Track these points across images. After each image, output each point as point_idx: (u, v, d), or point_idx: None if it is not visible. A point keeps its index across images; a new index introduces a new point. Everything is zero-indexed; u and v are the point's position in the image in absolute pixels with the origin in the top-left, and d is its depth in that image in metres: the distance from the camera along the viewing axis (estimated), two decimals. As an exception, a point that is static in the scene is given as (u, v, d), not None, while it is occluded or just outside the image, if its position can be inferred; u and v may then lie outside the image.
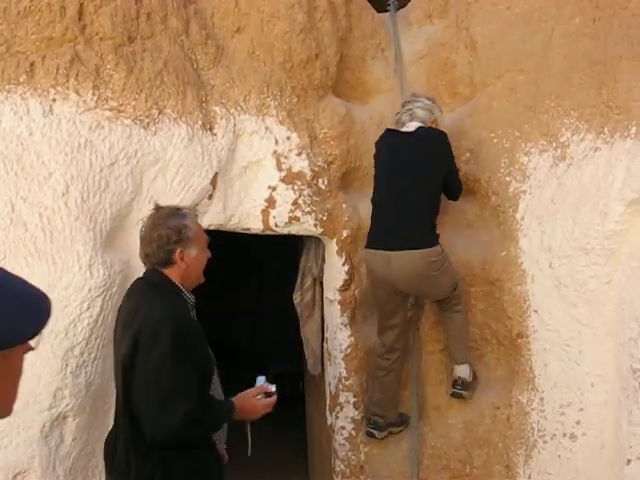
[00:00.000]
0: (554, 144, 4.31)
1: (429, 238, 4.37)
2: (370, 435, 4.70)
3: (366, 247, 4.49)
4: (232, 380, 3.64)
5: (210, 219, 4.38)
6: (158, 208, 3.14)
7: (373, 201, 4.54)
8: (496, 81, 4.79)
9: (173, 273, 3.06)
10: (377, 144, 4.62)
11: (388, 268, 4.35)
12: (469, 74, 5.04)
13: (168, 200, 4.17)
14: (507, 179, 4.53)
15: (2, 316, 1.34)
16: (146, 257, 3.09)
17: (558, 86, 4.40)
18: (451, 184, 4.57)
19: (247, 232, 4.62)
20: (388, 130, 4.65)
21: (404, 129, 4.57)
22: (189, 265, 3.06)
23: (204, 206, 4.33)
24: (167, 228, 3.01)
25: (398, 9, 5.84)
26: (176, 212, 3.12)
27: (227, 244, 4.93)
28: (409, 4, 5.80)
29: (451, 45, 5.18)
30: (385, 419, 4.70)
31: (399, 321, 4.61)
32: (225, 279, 8.67)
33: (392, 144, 4.56)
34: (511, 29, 4.80)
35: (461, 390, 4.63)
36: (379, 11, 5.63)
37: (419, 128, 4.53)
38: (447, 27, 5.29)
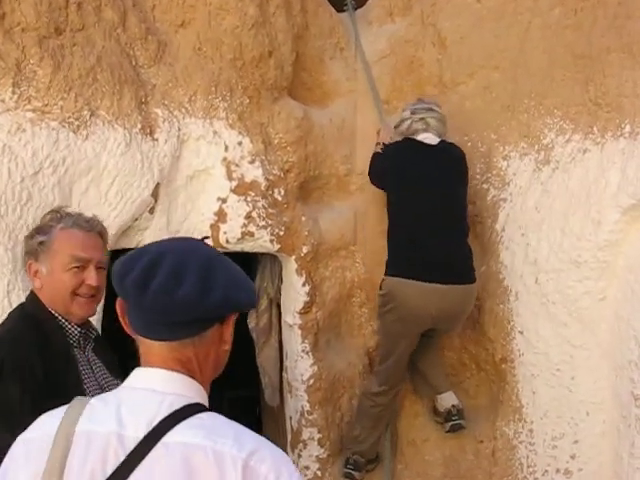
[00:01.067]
0: (536, 147, 4.05)
1: (475, 270, 4.01)
2: (349, 477, 4.20)
3: (401, 277, 3.93)
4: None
5: (152, 235, 3.96)
6: (52, 210, 2.57)
7: (396, 222, 4.05)
8: (468, 79, 4.52)
9: (37, 291, 2.42)
10: (391, 156, 4.18)
11: (439, 303, 3.86)
12: (437, 73, 4.73)
13: (103, 214, 3.68)
14: (484, 186, 4.27)
15: (247, 283, 1.57)
16: None
17: (538, 83, 4.15)
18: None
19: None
20: (406, 139, 4.18)
21: (426, 141, 4.13)
22: (44, 285, 2.39)
23: (145, 221, 3.92)
24: (29, 232, 2.46)
25: (356, 9, 5.48)
26: (54, 214, 2.48)
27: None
28: (368, 2, 5.50)
29: (417, 43, 4.86)
30: (365, 457, 4.22)
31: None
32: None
33: (416, 158, 4.10)
34: (483, 23, 4.52)
35: (459, 420, 4.16)
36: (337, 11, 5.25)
37: (441, 142, 4.14)
38: (411, 24, 4.96)
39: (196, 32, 4.26)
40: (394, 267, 3.98)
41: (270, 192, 4.22)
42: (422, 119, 4.16)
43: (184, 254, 1.49)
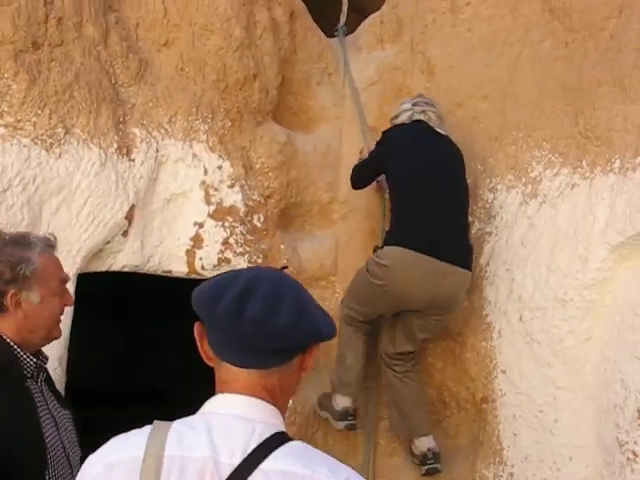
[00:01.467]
0: (524, 179, 3.94)
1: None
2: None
3: (399, 245, 3.71)
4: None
5: (125, 259, 3.89)
6: None
7: (400, 192, 3.87)
8: (456, 109, 4.42)
9: (5, 325, 2.26)
10: (395, 134, 4.04)
11: (438, 283, 3.67)
12: (425, 102, 4.55)
13: (73, 236, 3.56)
14: (470, 219, 4.10)
15: (327, 314, 1.55)
16: None
17: (527, 115, 4.05)
18: None
19: (168, 275, 4.10)
20: (415, 121, 4.04)
21: (437, 129, 4.04)
22: (29, 314, 2.27)
23: (117, 244, 3.83)
24: (0, 262, 2.27)
25: (346, 34, 5.41)
26: (19, 240, 2.34)
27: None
28: (358, 28, 5.44)
29: (405, 70, 4.77)
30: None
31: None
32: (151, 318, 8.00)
33: (427, 138, 3.99)
34: (473, 53, 4.43)
35: (435, 464, 3.92)
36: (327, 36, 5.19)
37: (447, 136, 4.05)
38: (401, 51, 4.88)
39: (179, 52, 4.20)
40: (397, 237, 3.74)
41: (249, 218, 4.12)
42: (423, 111, 4.06)
43: (276, 282, 1.49)
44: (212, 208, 4.02)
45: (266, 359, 1.47)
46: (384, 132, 4.12)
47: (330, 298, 4.33)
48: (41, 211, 3.54)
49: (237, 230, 4.05)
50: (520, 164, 3.94)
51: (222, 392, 1.48)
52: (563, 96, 3.89)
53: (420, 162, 3.86)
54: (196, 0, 4.23)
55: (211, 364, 1.52)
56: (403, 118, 4.10)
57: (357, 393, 4.04)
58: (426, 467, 3.94)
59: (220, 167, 4.06)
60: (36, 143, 3.54)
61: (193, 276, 4.04)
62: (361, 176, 4.22)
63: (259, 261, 4.07)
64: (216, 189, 4.03)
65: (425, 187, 3.79)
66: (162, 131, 3.96)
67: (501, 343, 3.82)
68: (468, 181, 4.15)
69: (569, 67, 3.93)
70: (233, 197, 4.07)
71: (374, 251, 3.91)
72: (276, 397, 1.49)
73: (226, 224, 4.03)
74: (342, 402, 3.97)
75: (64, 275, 2.41)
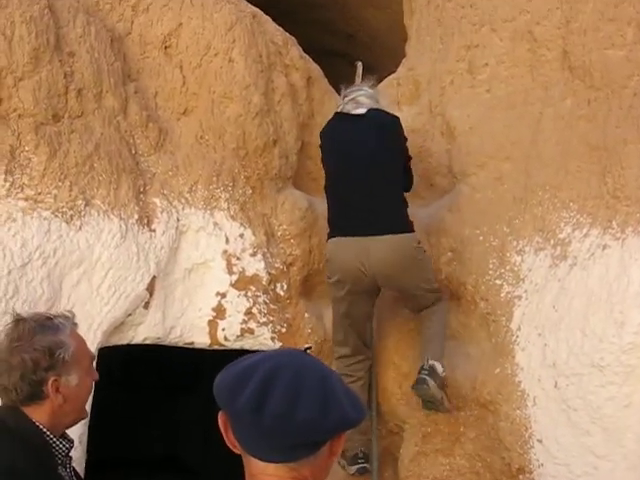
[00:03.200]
0: (552, 241, 3.84)
1: (408, 223, 3.99)
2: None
3: (333, 236, 3.99)
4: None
5: (146, 332, 3.85)
6: (18, 320, 2.28)
7: (327, 189, 4.14)
8: (479, 170, 4.34)
9: (40, 412, 2.18)
10: (323, 133, 4.23)
11: (366, 257, 3.86)
12: (447, 163, 4.59)
13: (94, 310, 3.50)
14: (497, 282, 4.03)
15: (356, 398, 1.47)
16: (4, 392, 2.22)
17: (552, 175, 3.97)
18: (407, 172, 4.27)
19: (190, 346, 4.02)
20: (336, 114, 4.24)
21: (353, 112, 4.17)
22: (68, 398, 2.21)
23: (139, 316, 3.79)
24: (33, 350, 2.18)
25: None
26: (45, 323, 2.27)
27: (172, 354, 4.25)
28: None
29: (425, 132, 4.74)
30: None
31: (369, 331, 4.16)
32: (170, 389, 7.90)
33: (342, 127, 4.17)
34: (493, 113, 4.38)
35: (427, 375, 3.78)
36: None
37: (370, 110, 4.16)
38: (419, 113, 4.86)
39: (199, 120, 4.22)
40: (330, 231, 4.03)
41: (272, 287, 4.08)
42: (352, 99, 4.19)
43: (297, 371, 1.42)
44: (234, 277, 3.98)
45: (293, 453, 1.40)
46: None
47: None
48: (61, 285, 3.52)
49: (260, 299, 4.00)
50: (548, 225, 3.86)
51: None
52: (588, 155, 3.83)
53: (335, 155, 4.12)
54: (214, 68, 4.25)
55: (238, 452, 1.45)
56: (338, 112, 4.28)
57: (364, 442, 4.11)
58: (417, 376, 3.84)
59: (242, 235, 4.03)
60: (56, 216, 3.53)
61: (216, 347, 3.98)
62: None
63: (283, 331, 4.00)
64: (238, 258, 3.99)
65: (341, 177, 4.04)
66: (183, 200, 3.95)
67: (536, 411, 3.68)
68: (493, 243, 4.09)
69: (593, 126, 3.88)
70: (255, 266, 4.03)
71: None
72: None
73: (249, 293, 3.98)
74: (352, 450, 4.05)
75: (92, 353, 2.42)
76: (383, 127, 4.10)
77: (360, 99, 4.18)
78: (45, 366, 2.14)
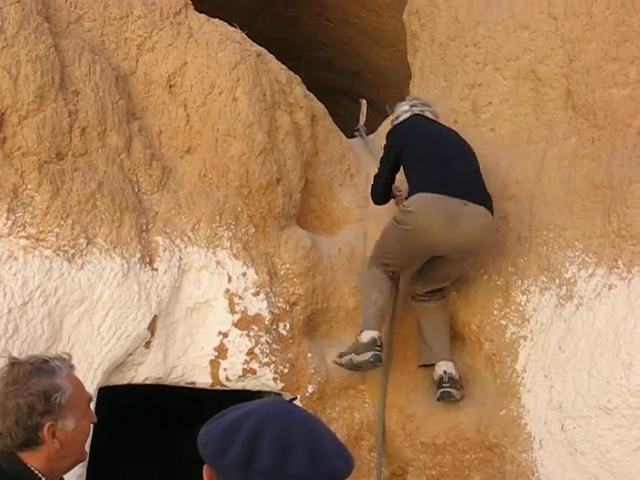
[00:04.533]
0: (557, 281, 3.82)
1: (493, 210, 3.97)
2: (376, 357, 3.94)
3: (425, 192, 3.88)
4: None
5: (147, 371, 3.77)
6: (14, 363, 2.21)
7: (417, 164, 4.09)
8: (484, 209, 4.24)
9: (36, 457, 2.12)
10: (396, 128, 4.35)
11: (459, 218, 3.80)
12: (452, 202, 4.49)
13: (94, 349, 3.46)
14: (502, 322, 4.00)
15: (344, 449, 1.44)
16: None
17: (557, 214, 3.96)
18: None
19: (192, 386, 3.97)
20: (415, 115, 4.35)
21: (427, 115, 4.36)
22: (65, 443, 2.16)
23: (139, 356, 3.73)
24: (29, 394, 2.13)
25: (368, 134, 5.43)
26: (42, 366, 2.22)
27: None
28: (379, 128, 5.41)
29: (429, 170, 4.66)
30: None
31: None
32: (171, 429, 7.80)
33: (422, 121, 4.32)
34: (497, 152, 4.40)
35: (450, 388, 3.92)
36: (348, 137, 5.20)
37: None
38: (424, 151, 4.79)
39: (202, 158, 4.20)
40: (419, 187, 3.93)
41: (274, 326, 4.02)
42: (422, 110, 4.35)
43: (286, 422, 1.39)
44: (237, 317, 3.93)
45: None
46: (388, 132, 4.40)
47: (359, 408, 4.14)
48: (62, 324, 3.47)
49: (262, 339, 3.94)
50: (553, 265, 3.83)
51: None
52: (593, 194, 3.81)
53: (428, 134, 4.20)
54: (218, 106, 4.24)
55: None
56: (404, 118, 4.36)
57: (381, 326, 4.08)
58: (440, 390, 3.93)
59: (244, 274, 3.99)
60: (58, 254, 3.49)
61: (217, 387, 3.91)
62: (379, 184, 4.42)
63: (285, 371, 3.94)
64: (240, 297, 3.95)
65: (438, 147, 4.08)
66: (185, 239, 3.91)
67: (543, 454, 3.61)
68: (498, 282, 4.06)
69: (597, 164, 3.87)
70: (258, 305, 3.99)
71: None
72: None
73: (251, 333, 3.92)
74: (369, 335, 3.95)
75: (89, 395, 2.34)
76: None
77: (427, 114, 4.35)
78: (41, 411, 2.09)
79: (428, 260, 4.08)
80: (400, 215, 3.96)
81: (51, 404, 2.11)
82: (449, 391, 3.92)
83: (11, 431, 2.08)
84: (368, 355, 3.89)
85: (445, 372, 3.95)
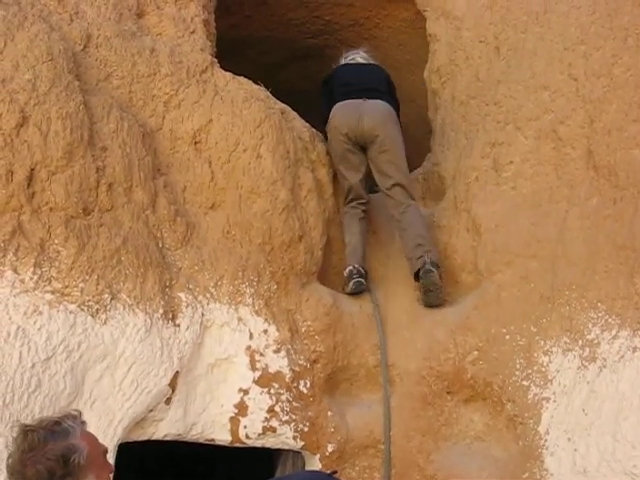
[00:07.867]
0: (580, 342, 3.77)
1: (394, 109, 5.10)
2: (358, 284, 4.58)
3: (337, 102, 5.00)
4: None
5: (167, 428, 3.75)
6: (27, 431, 2.20)
7: (336, 94, 5.10)
8: (505, 268, 4.29)
9: None
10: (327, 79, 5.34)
11: (360, 111, 4.87)
12: (472, 260, 4.55)
13: (115, 405, 3.46)
14: (525, 383, 3.94)
15: None
16: None
17: (579, 274, 3.92)
18: (395, 100, 5.25)
19: (211, 443, 3.93)
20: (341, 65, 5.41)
21: (357, 60, 5.41)
22: None
23: (160, 412, 3.71)
24: (47, 459, 2.13)
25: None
26: (55, 429, 2.21)
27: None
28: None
29: (450, 228, 4.74)
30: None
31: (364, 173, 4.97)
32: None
33: (349, 67, 5.34)
34: (519, 211, 4.37)
35: (432, 267, 4.48)
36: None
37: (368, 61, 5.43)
38: (445, 209, 4.87)
39: (226, 215, 4.23)
40: (335, 101, 5.03)
41: (295, 384, 3.99)
42: (352, 59, 5.39)
43: None
44: (257, 374, 3.91)
45: None
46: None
47: (379, 468, 4.08)
48: (84, 379, 3.47)
49: (283, 397, 3.91)
50: (575, 326, 3.79)
51: None
52: (615, 255, 3.78)
53: (347, 69, 5.29)
54: (242, 164, 4.30)
55: None
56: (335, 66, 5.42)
57: (358, 261, 4.69)
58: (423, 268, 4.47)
59: (266, 331, 3.99)
60: (82, 309, 3.51)
61: (237, 445, 3.87)
62: (323, 109, 5.13)
63: (305, 430, 3.90)
64: (262, 354, 3.94)
65: (350, 74, 5.20)
66: (208, 295, 3.92)
67: (567, 520, 3.54)
68: (520, 342, 4.03)
69: (619, 225, 3.85)
70: (279, 362, 3.97)
71: None
72: None
73: (272, 391, 3.90)
74: (347, 269, 4.65)
75: (104, 447, 2.35)
76: (382, 73, 5.31)
77: (358, 59, 5.37)
78: (61, 474, 2.10)
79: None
80: (327, 124, 5.01)
81: (70, 466, 2.12)
82: (430, 269, 4.45)
83: None
84: (350, 284, 4.57)
85: (428, 255, 4.51)
